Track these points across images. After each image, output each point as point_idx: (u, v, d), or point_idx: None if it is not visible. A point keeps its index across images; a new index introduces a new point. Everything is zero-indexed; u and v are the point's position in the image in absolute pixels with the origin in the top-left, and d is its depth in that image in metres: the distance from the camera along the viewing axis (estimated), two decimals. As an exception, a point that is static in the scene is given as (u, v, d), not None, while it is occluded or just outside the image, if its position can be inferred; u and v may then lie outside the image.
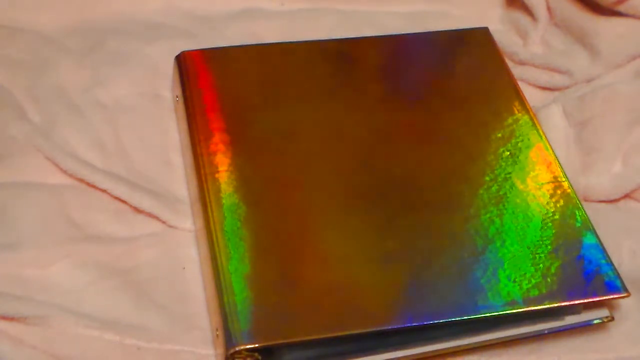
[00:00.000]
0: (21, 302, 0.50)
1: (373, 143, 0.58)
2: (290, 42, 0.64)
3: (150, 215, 0.56)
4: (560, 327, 0.51)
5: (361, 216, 0.53)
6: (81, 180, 0.57)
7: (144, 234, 0.56)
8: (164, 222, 0.56)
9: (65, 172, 0.57)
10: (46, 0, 0.67)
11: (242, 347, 0.46)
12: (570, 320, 0.51)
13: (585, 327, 0.52)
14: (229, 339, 0.47)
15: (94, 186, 0.57)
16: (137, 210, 0.56)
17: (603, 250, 0.52)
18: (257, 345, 0.47)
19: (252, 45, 0.64)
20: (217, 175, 0.54)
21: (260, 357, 0.47)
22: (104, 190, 0.57)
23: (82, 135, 0.60)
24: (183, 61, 0.61)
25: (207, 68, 0.61)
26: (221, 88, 0.59)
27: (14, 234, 0.54)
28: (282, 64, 0.62)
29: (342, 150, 0.57)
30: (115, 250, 0.54)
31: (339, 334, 0.48)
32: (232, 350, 0.46)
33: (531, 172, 0.56)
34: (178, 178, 0.59)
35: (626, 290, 0.51)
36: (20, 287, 0.51)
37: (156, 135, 0.61)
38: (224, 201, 0.53)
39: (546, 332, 0.51)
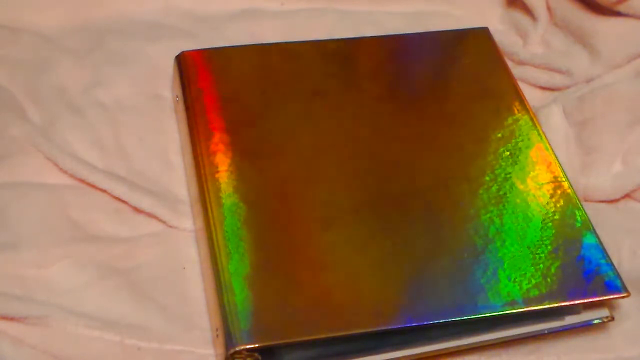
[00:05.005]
0: (21, 302, 0.50)
1: (373, 143, 0.58)
2: (290, 42, 0.64)
3: (150, 215, 0.56)
4: (560, 327, 0.51)
5: (361, 216, 0.53)
6: (81, 180, 0.57)
7: (144, 234, 0.56)
8: (164, 222, 0.56)
9: (65, 172, 0.57)
10: (46, 1, 0.67)
11: (242, 347, 0.46)
12: (570, 320, 0.51)
13: (585, 327, 0.52)
14: (229, 339, 0.47)
15: (94, 186, 0.57)
16: (137, 210, 0.56)
17: (603, 251, 0.52)
18: (257, 345, 0.47)
19: (252, 45, 0.64)
20: (217, 175, 0.54)
21: (260, 357, 0.47)
22: (104, 190, 0.57)
23: (82, 135, 0.60)
24: (183, 61, 0.61)
25: (207, 68, 0.61)
26: (221, 88, 0.59)
27: (14, 234, 0.54)
28: (282, 64, 0.62)
29: (341, 150, 0.57)
30: (115, 250, 0.54)
31: (339, 334, 0.48)
32: (232, 351, 0.46)
33: (531, 172, 0.56)
34: (178, 178, 0.59)
35: (626, 290, 0.51)
36: (20, 287, 0.51)
37: (156, 135, 0.61)
38: (224, 201, 0.53)
39: (546, 332, 0.51)
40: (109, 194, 0.57)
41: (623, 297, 0.51)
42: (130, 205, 0.57)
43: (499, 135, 0.59)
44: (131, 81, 0.64)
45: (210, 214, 0.52)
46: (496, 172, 0.56)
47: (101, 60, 0.65)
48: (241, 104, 0.59)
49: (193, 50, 0.62)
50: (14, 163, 0.57)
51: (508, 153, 0.57)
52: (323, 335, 0.48)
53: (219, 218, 0.52)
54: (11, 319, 0.50)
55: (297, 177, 0.55)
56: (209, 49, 0.63)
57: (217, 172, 0.54)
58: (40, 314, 0.50)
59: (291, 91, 0.60)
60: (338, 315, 0.48)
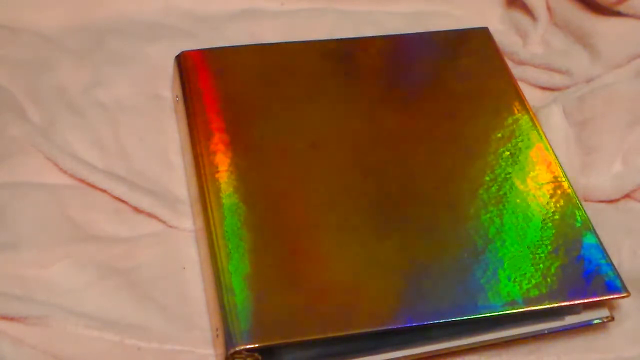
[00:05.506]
0: (21, 302, 0.50)
1: (373, 143, 0.58)
2: (290, 42, 0.64)
3: (150, 215, 0.56)
4: (560, 327, 0.51)
5: (361, 216, 0.53)
6: (81, 180, 0.57)
7: (144, 234, 0.56)
8: (164, 222, 0.56)
9: (65, 172, 0.57)
10: (46, 1, 0.67)
11: (242, 347, 0.46)
12: (570, 320, 0.51)
13: (585, 327, 0.52)
14: (229, 339, 0.47)
15: (94, 186, 0.57)
16: (137, 210, 0.56)
17: (603, 250, 0.52)
18: (257, 345, 0.47)
19: (252, 45, 0.64)
20: (217, 175, 0.54)
21: (260, 357, 0.47)
22: (104, 190, 0.57)
23: (82, 135, 0.60)
24: (183, 61, 0.61)
25: (207, 68, 0.61)
26: (221, 88, 0.59)
27: (14, 234, 0.54)
28: (282, 64, 0.62)
29: (342, 150, 0.57)
30: (115, 250, 0.54)
31: (339, 334, 0.48)
32: (232, 350, 0.46)
33: (531, 172, 0.56)
34: (178, 178, 0.59)
35: (626, 290, 0.51)
36: (20, 287, 0.51)
37: (156, 135, 0.61)
38: (224, 201, 0.53)
39: (546, 332, 0.51)
40: (109, 194, 0.57)
41: (623, 297, 0.51)
42: (130, 205, 0.57)
43: (499, 135, 0.59)
44: (131, 81, 0.64)
45: (210, 214, 0.52)
46: (496, 172, 0.56)
47: (101, 60, 0.65)
48: (241, 104, 0.59)
49: (193, 50, 0.62)
50: (14, 163, 0.57)
51: (508, 153, 0.57)
52: (323, 335, 0.48)
53: (219, 218, 0.52)
54: (11, 319, 0.50)
55: (298, 177, 0.55)
56: (209, 49, 0.63)
57: (217, 172, 0.54)
58: (40, 314, 0.50)
59: (291, 91, 0.60)
60: (338, 315, 0.48)
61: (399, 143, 0.58)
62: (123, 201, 0.56)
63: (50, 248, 0.53)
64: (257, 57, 0.63)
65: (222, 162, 0.55)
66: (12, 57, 0.64)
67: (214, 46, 0.63)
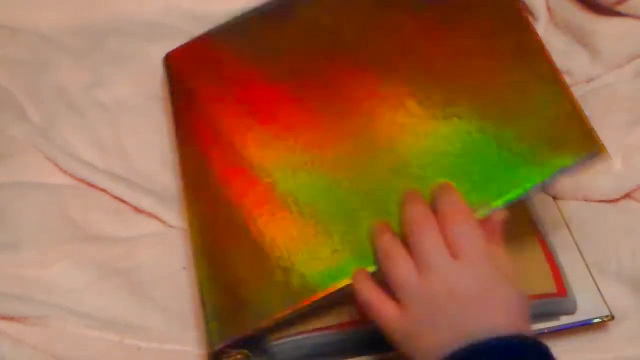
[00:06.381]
0: (21, 302, 0.50)
1: (374, 143, 0.57)
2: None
3: (150, 215, 0.56)
4: (559, 326, 0.51)
5: (341, 206, 0.52)
6: (81, 180, 0.57)
7: (144, 234, 0.56)
8: (164, 222, 0.56)
9: (65, 172, 0.57)
10: (46, 1, 0.67)
11: (220, 346, 0.47)
12: (568, 319, 0.51)
13: (585, 327, 0.52)
14: (209, 340, 0.47)
15: (94, 186, 0.57)
16: (137, 210, 0.57)
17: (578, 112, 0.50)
18: (232, 341, 0.47)
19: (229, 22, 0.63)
20: (198, 173, 0.54)
21: (250, 354, 0.47)
22: (104, 190, 0.57)
23: (82, 135, 0.60)
24: (170, 62, 0.61)
25: (191, 65, 0.60)
26: (207, 83, 0.59)
27: (14, 234, 0.54)
28: (262, 41, 0.61)
29: (336, 148, 0.55)
30: (115, 250, 0.55)
31: (309, 302, 0.47)
32: (210, 350, 0.47)
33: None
34: (178, 178, 0.59)
35: (603, 148, 0.49)
36: (20, 287, 0.52)
37: (156, 135, 0.61)
38: (203, 200, 0.53)
39: (545, 332, 0.51)
40: (109, 194, 0.57)
41: (601, 156, 0.48)
42: (130, 205, 0.57)
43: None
44: (131, 81, 0.64)
45: (190, 214, 0.52)
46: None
47: (101, 60, 0.65)
48: (229, 97, 0.58)
49: (178, 47, 0.62)
50: (14, 163, 0.57)
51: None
52: (293, 309, 0.47)
53: (198, 218, 0.52)
54: (11, 319, 0.50)
55: (287, 175, 0.54)
56: (192, 40, 0.62)
57: (199, 170, 0.54)
58: (40, 314, 0.50)
59: (275, 70, 0.58)
60: (307, 285, 0.47)
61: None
62: (123, 201, 0.57)
63: (50, 248, 0.54)
64: (237, 38, 0.61)
65: (205, 161, 0.55)
66: (12, 57, 0.64)
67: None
